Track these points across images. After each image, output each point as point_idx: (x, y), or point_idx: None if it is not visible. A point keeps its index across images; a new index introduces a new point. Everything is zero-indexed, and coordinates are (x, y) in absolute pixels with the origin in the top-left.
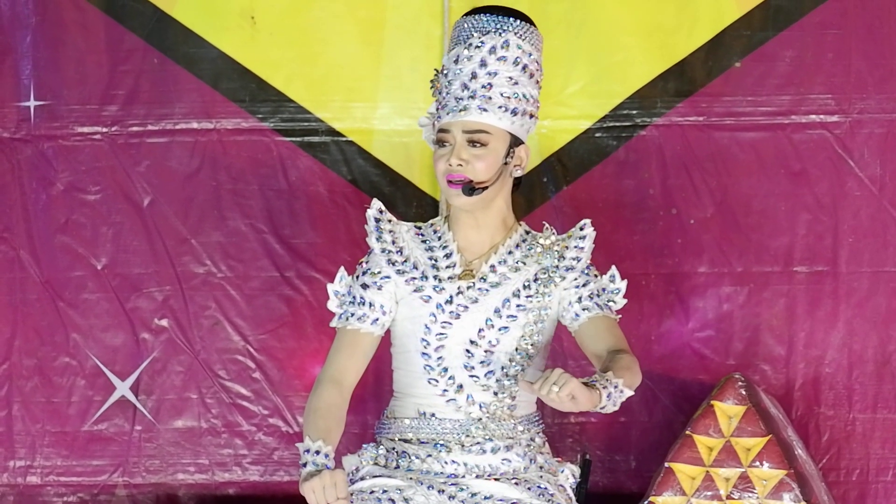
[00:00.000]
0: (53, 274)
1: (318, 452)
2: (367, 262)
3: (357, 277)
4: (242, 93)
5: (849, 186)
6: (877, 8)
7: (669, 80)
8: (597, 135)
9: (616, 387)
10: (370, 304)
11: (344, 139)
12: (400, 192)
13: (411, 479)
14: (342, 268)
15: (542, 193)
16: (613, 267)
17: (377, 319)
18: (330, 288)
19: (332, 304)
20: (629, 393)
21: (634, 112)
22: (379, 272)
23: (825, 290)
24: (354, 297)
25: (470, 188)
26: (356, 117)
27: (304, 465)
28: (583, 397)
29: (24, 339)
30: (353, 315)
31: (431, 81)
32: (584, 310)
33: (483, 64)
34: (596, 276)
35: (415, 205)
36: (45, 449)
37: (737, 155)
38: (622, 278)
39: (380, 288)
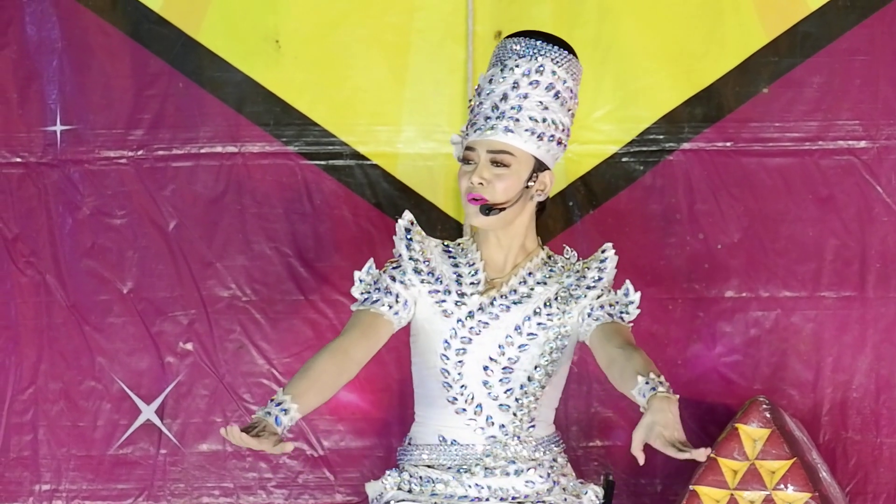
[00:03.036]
0: (79, 298)
1: (279, 404)
2: (395, 265)
3: (385, 271)
4: (267, 116)
5: (876, 212)
6: None
7: (696, 105)
8: (623, 159)
9: (662, 382)
10: (396, 296)
11: (368, 163)
12: (424, 216)
13: (435, 503)
14: (371, 259)
15: (567, 218)
16: (627, 281)
17: (398, 312)
18: (356, 274)
19: (356, 290)
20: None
21: (661, 137)
22: (406, 275)
23: (853, 316)
24: (380, 287)
25: (487, 208)
26: (380, 141)
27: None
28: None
29: (50, 363)
30: (377, 301)
31: (470, 101)
32: (595, 320)
33: (515, 86)
34: (611, 292)
35: (439, 228)
36: (70, 473)
37: (764, 180)
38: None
39: (406, 287)
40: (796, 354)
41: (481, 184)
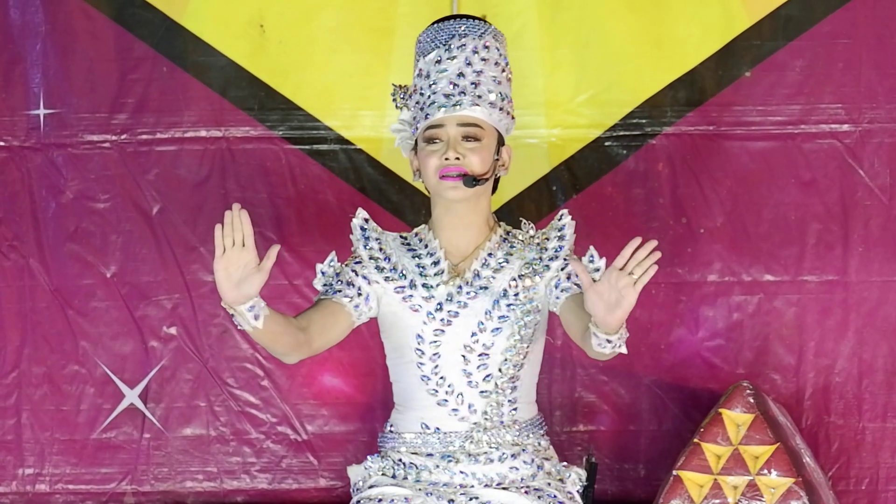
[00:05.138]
0: (63, 282)
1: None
2: (357, 259)
3: (347, 264)
4: (251, 101)
5: (859, 196)
6: (887, 18)
7: (679, 89)
8: (606, 144)
9: (624, 327)
10: (359, 289)
11: (353, 147)
12: (408, 200)
13: (420, 489)
14: (333, 252)
15: (551, 202)
16: (591, 247)
17: (358, 306)
18: (318, 267)
19: (318, 283)
20: (626, 334)
21: (644, 121)
22: (368, 272)
23: (835, 300)
24: (342, 279)
25: (472, 180)
26: (365, 125)
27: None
28: (627, 307)
29: (34, 348)
30: (338, 292)
31: (392, 95)
32: (563, 291)
33: (468, 63)
34: (575, 259)
35: (423, 213)
36: (53, 457)
37: (747, 164)
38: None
39: (368, 283)
40: (779, 339)
41: (458, 158)
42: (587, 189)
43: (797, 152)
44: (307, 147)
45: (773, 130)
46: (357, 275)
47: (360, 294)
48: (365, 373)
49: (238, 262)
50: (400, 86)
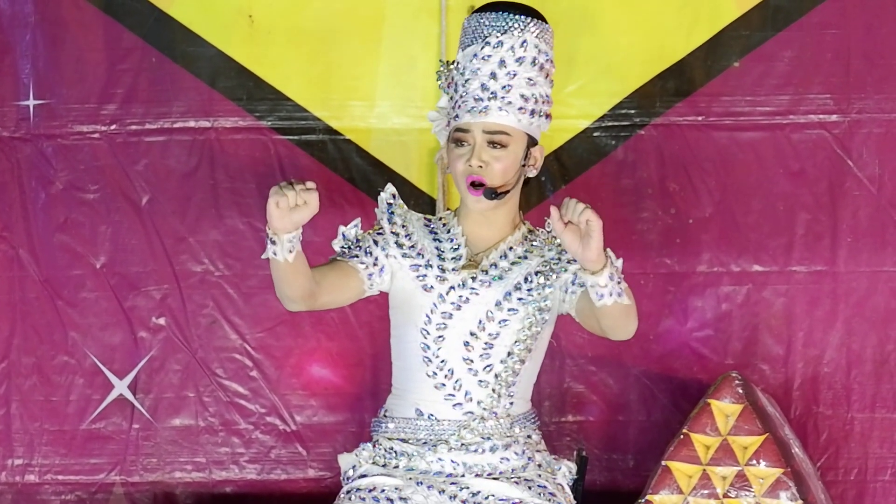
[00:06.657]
0: (52, 272)
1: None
2: (379, 231)
3: (369, 233)
4: (240, 91)
5: (847, 186)
6: (876, 8)
7: (668, 79)
8: (595, 134)
9: (617, 269)
10: (375, 259)
11: (342, 138)
12: (397, 191)
13: (410, 479)
14: (359, 218)
15: (540, 192)
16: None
17: (372, 275)
18: (341, 229)
19: (336, 244)
20: (625, 286)
21: (633, 112)
22: (388, 246)
23: (824, 290)
24: (361, 246)
25: (492, 193)
26: (354, 116)
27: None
28: (597, 232)
29: (23, 338)
30: (355, 257)
31: (438, 73)
32: (580, 286)
33: (502, 64)
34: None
35: (412, 203)
36: (43, 447)
37: (735, 155)
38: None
39: (386, 255)
40: (768, 329)
41: (481, 166)
42: (576, 179)
43: (786, 143)
44: (296, 138)
45: (761, 121)
46: (377, 245)
47: (375, 264)
48: (354, 363)
49: (294, 200)
50: (447, 62)
